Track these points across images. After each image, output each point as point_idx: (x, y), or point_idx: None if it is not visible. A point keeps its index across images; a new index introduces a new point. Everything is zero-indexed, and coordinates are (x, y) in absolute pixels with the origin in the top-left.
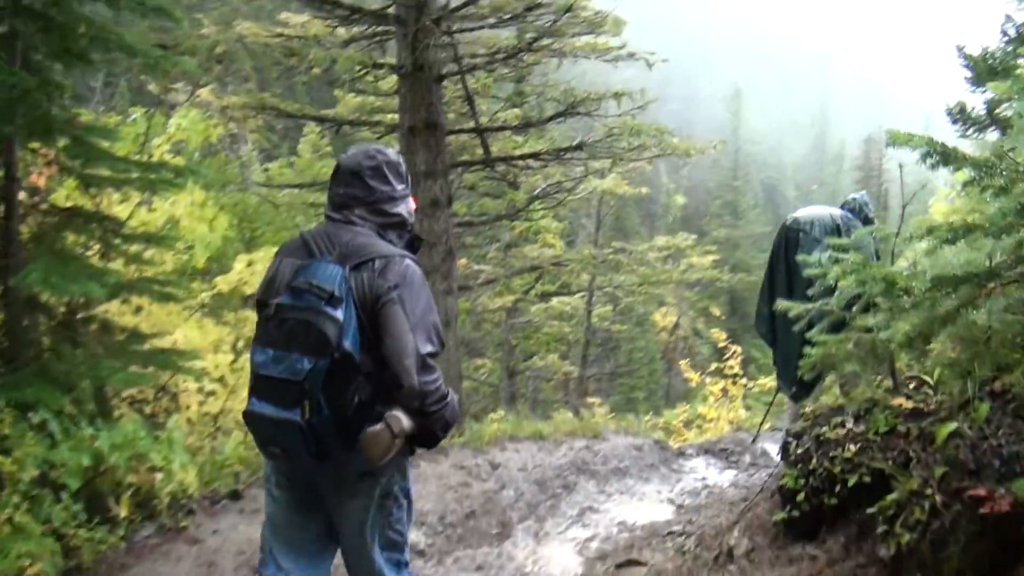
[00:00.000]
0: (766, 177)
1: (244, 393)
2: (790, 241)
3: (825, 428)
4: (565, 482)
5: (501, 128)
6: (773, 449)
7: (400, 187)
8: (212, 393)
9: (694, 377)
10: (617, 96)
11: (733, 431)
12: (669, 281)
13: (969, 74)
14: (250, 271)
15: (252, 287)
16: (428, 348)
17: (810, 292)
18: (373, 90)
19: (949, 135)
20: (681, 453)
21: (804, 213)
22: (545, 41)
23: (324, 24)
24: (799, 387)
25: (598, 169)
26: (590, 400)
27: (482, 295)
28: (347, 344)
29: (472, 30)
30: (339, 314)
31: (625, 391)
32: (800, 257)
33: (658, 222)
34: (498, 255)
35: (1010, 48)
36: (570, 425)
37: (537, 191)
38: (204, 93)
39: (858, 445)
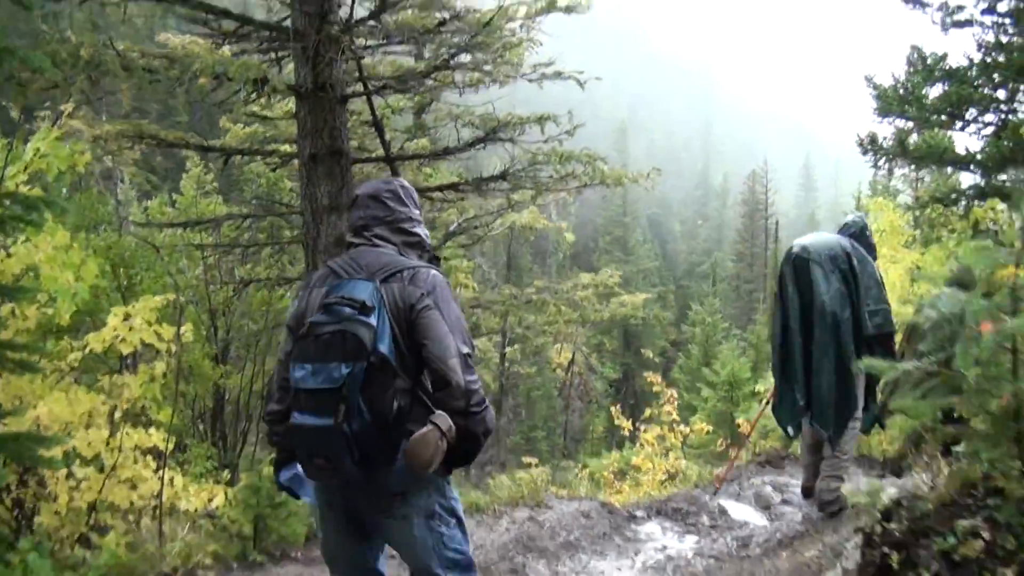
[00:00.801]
0: (653, 212)
1: (124, 474)
2: (800, 271)
3: (949, 538)
4: (512, 565)
5: (414, 156)
6: (733, 508)
7: (416, 212)
8: (85, 479)
9: (625, 424)
10: (541, 120)
11: (690, 487)
12: (600, 319)
13: (877, 104)
14: (127, 326)
15: (131, 344)
16: (466, 349)
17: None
18: (267, 114)
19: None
20: (632, 517)
21: (812, 242)
22: (463, 59)
23: (209, 43)
24: (836, 430)
25: (518, 201)
26: (526, 460)
27: None
28: (382, 348)
29: (380, 46)
30: (372, 320)
31: (524, 431)
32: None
33: (549, 259)
34: None
35: (918, 79)
36: (508, 492)
37: (453, 227)
38: (76, 122)
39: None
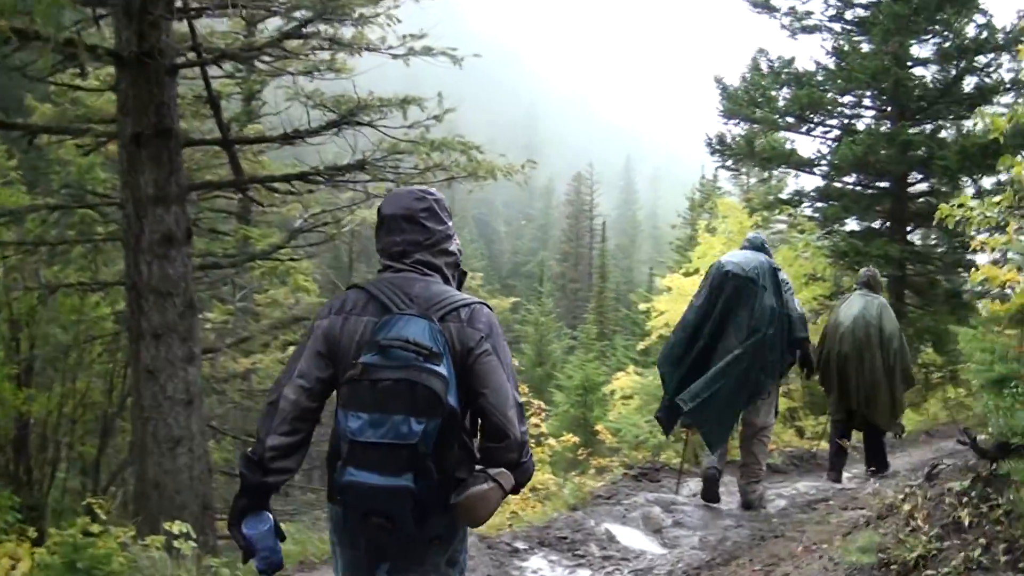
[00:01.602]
0: (479, 213)
1: None
2: (739, 290)
3: None
4: None
5: (258, 140)
6: (622, 533)
7: (450, 223)
8: None
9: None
10: (404, 103)
11: (567, 510)
12: None
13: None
14: None
15: None
16: (520, 398)
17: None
18: (79, 84)
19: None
20: (514, 551)
21: (742, 260)
22: (316, 27)
23: None
24: (719, 437)
25: (375, 195)
26: None
27: (222, 356)
28: (452, 400)
29: (218, 7)
30: (443, 370)
31: None
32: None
33: (375, 260)
34: (234, 304)
35: (766, 81)
36: None
37: (298, 222)
38: None
39: None
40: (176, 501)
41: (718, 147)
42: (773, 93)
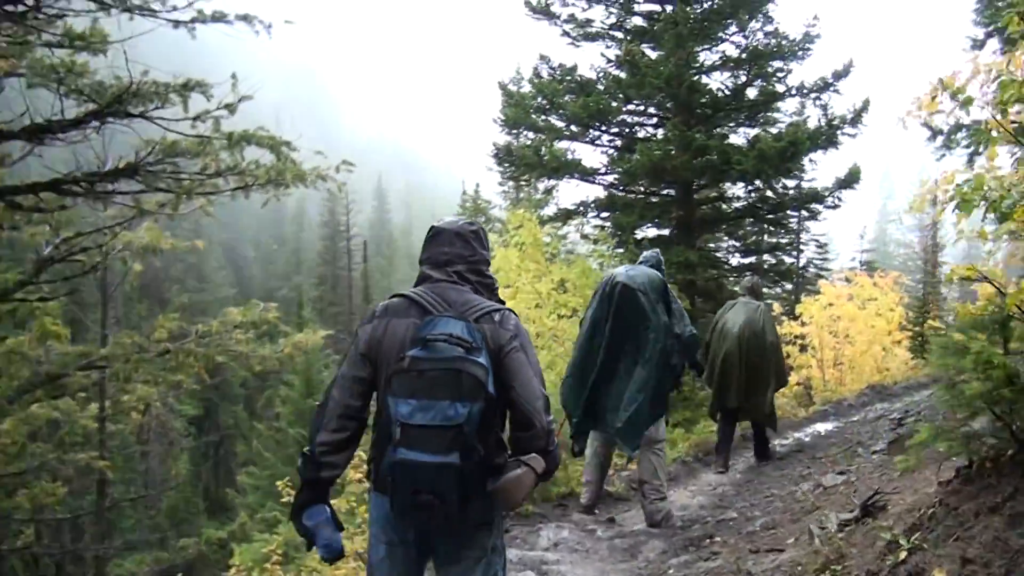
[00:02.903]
0: (226, 237)
1: None
2: (629, 301)
3: None
4: None
5: None
6: None
7: (488, 255)
8: None
9: (286, 489)
10: (186, 89)
11: None
12: (271, 368)
13: (506, 114)
14: None
15: None
16: (545, 392)
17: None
18: None
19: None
20: None
21: (636, 273)
22: None
23: None
24: (634, 444)
25: (148, 211)
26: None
27: None
28: (491, 388)
29: None
30: (483, 360)
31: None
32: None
33: (113, 291)
34: None
35: (550, 88)
36: None
37: (47, 250)
38: None
39: None
40: None
41: (504, 157)
42: (559, 100)
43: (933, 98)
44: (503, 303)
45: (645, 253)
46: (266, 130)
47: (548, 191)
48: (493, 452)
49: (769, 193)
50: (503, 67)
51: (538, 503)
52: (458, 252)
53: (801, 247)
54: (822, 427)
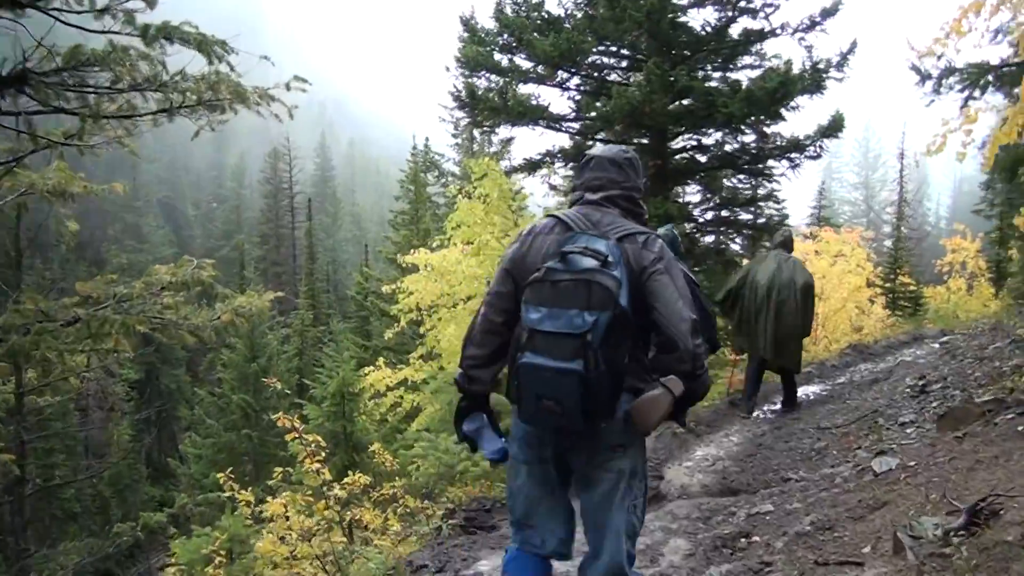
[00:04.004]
0: (164, 196)
1: None
2: None
3: None
4: None
5: None
6: None
7: (642, 183)
8: None
9: (244, 496)
10: None
11: None
12: (210, 340)
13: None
14: None
15: None
16: (693, 315)
17: None
18: None
19: None
20: None
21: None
22: None
23: None
24: None
25: (54, 142)
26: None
27: None
28: (623, 302)
29: None
30: (616, 273)
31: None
32: None
33: (50, 253)
34: None
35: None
36: None
37: None
38: None
39: None
40: None
41: (467, 101)
42: (527, 37)
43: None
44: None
45: (659, 230)
46: (193, 25)
47: (506, 143)
48: (627, 371)
49: (750, 141)
50: (453, 7)
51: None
52: (612, 177)
53: (759, 203)
54: (809, 390)
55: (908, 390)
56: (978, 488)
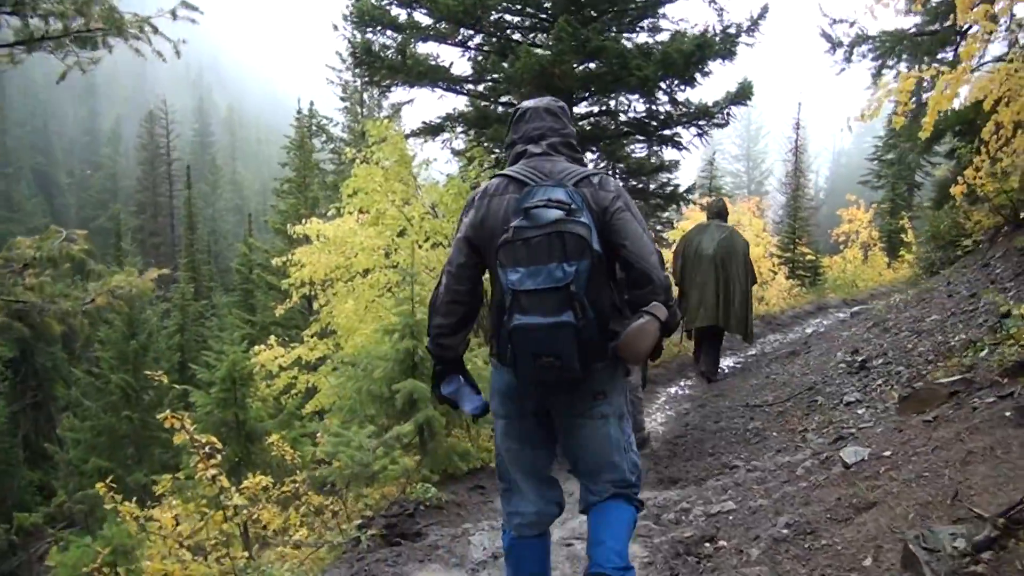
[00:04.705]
0: (36, 163)
1: None
2: None
3: None
4: None
5: None
6: None
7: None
8: None
9: (128, 510)
10: None
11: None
12: (80, 327)
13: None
14: None
15: None
16: (657, 247)
17: None
18: None
19: None
20: None
21: None
22: None
23: None
24: None
25: None
26: None
27: None
28: (596, 247)
29: None
30: (585, 219)
31: None
32: None
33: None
34: None
35: None
36: None
37: None
38: None
39: None
40: None
41: (363, 58)
42: None
43: None
44: None
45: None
46: None
47: (396, 109)
48: (610, 316)
49: (658, 108)
50: None
51: (447, 485)
52: (550, 126)
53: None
54: (722, 364)
55: (844, 366)
56: (984, 486)
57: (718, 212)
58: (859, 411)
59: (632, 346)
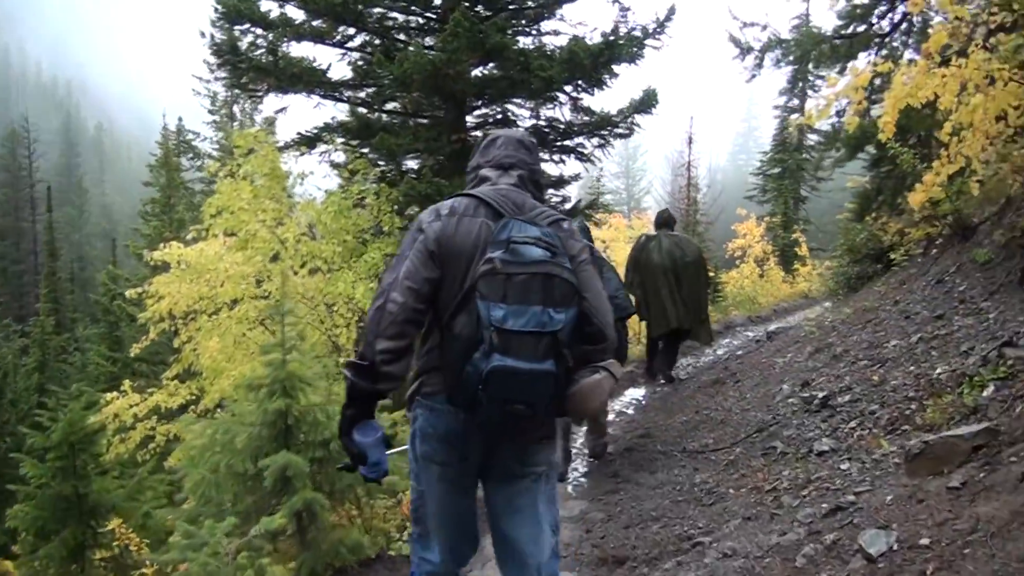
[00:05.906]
0: None
1: None
2: None
3: None
4: None
5: None
6: None
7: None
8: None
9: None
10: None
11: None
12: None
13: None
14: None
15: None
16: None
17: None
18: None
19: None
20: None
21: None
22: None
23: None
24: None
25: None
26: None
27: None
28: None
29: None
30: (568, 265)
31: None
32: None
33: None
34: None
35: None
36: None
37: None
38: None
39: None
40: None
41: (228, 57)
42: None
43: None
44: None
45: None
46: None
47: (271, 122)
48: (575, 367)
49: (562, 114)
50: None
51: None
52: (522, 158)
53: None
54: (636, 394)
55: (798, 402)
56: None
57: (665, 221)
58: (841, 465)
59: (586, 400)
